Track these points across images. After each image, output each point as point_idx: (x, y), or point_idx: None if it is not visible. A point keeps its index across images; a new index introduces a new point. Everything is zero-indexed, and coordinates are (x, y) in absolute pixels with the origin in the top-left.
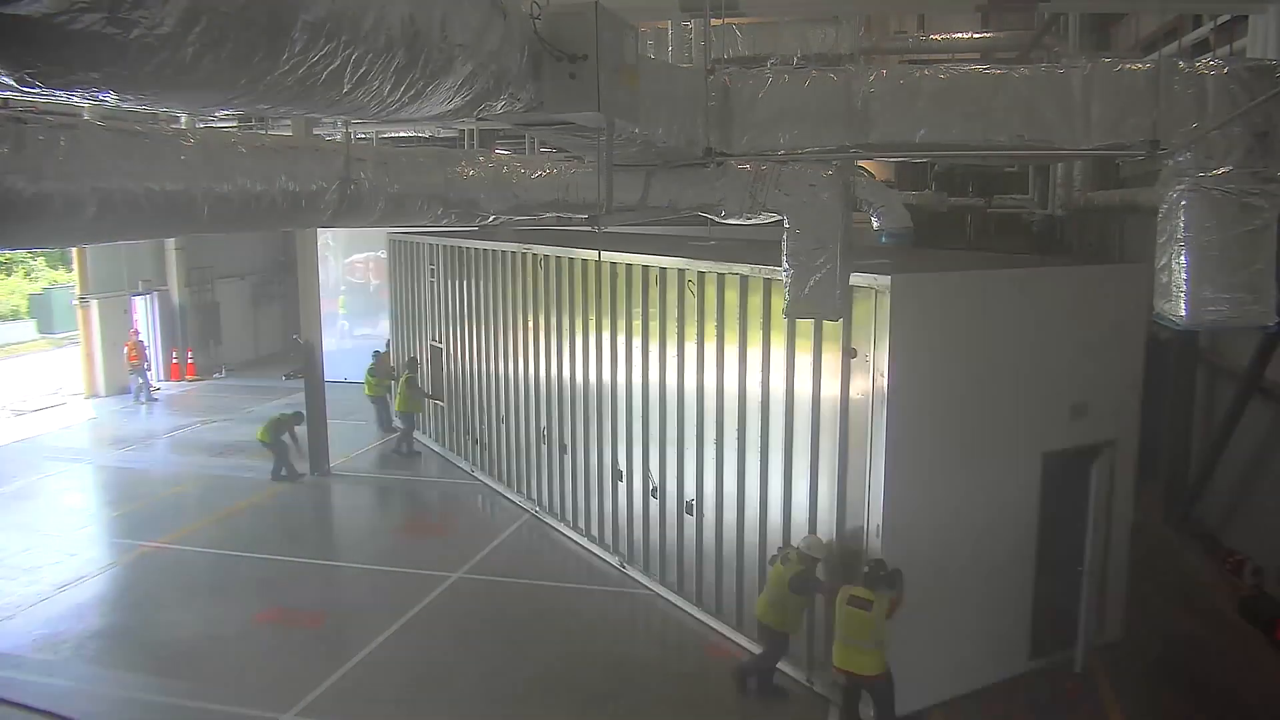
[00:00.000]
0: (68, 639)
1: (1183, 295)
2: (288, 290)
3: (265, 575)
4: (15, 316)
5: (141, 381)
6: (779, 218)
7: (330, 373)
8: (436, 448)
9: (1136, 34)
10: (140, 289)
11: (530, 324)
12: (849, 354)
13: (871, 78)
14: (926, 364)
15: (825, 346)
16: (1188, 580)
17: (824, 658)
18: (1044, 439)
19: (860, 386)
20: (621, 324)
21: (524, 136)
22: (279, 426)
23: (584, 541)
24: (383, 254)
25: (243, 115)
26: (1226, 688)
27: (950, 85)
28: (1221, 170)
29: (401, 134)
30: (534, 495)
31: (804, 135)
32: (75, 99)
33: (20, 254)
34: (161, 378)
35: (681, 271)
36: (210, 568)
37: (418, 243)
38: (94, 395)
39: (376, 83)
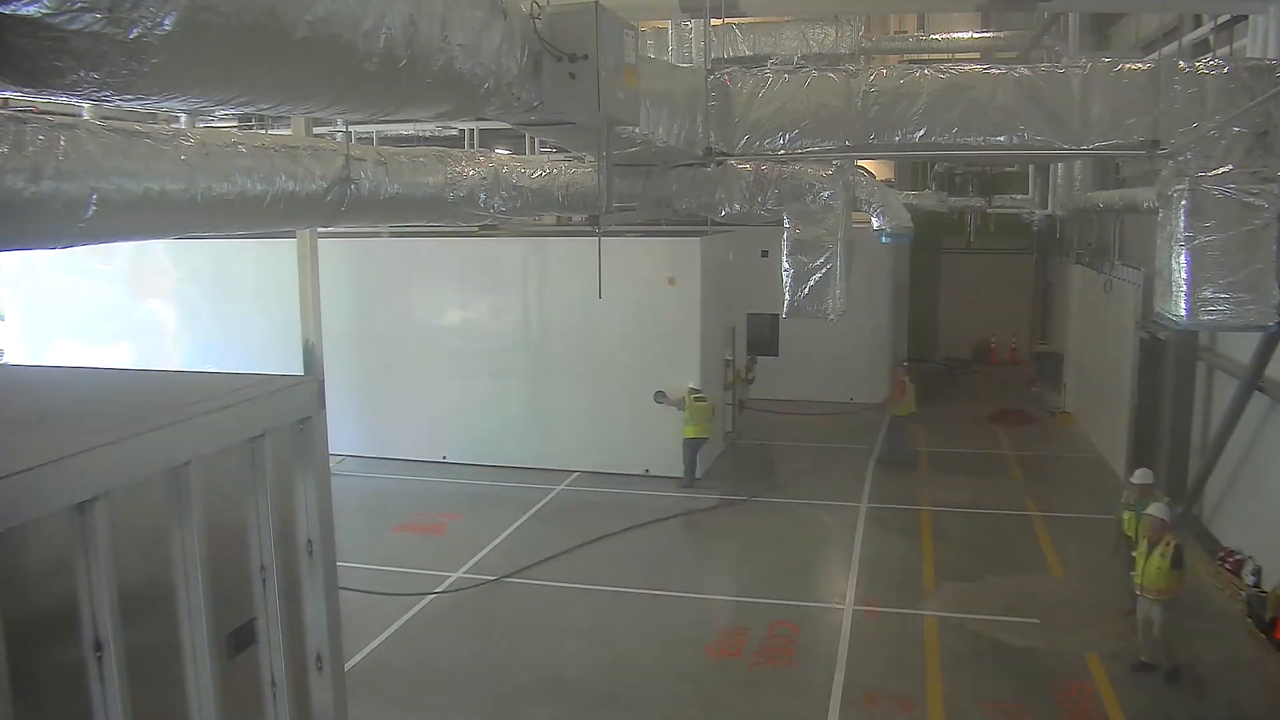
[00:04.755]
0: None
1: (1182, 295)
2: None
3: None
4: None
5: None
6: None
7: None
8: None
9: (1136, 34)
10: None
11: None
12: None
13: (871, 78)
14: None
15: None
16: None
17: None
18: None
19: None
20: None
21: (524, 136)
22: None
23: None
24: None
25: (243, 115)
26: (1228, 687)
27: (950, 85)
28: (1221, 170)
29: (402, 132)
30: None
31: (804, 135)
32: (75, 99)
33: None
34: None
35: None
36: None
37: None
38: None
39: (378, 82)
